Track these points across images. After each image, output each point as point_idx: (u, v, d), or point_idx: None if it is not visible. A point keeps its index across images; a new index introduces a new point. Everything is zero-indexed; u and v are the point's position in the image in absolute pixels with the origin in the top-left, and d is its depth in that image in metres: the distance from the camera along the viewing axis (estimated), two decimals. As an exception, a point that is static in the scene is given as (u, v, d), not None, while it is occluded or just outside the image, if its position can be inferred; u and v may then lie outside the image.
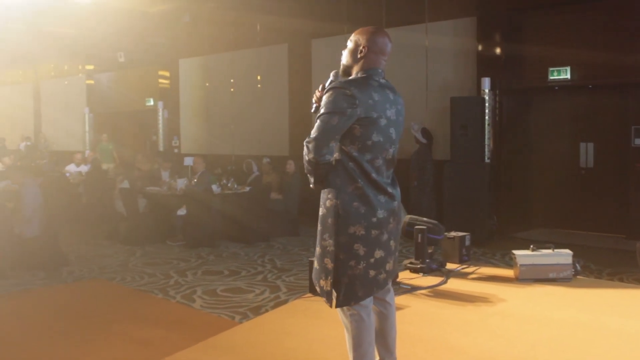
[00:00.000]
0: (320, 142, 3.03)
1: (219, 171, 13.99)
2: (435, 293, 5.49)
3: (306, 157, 3.10)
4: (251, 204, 10.00)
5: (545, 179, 10.48)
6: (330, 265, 3.15)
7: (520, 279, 6.28)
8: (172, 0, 14.16)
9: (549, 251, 6.31)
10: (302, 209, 10.48)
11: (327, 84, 3.22)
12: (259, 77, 14.11)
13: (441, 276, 5.75)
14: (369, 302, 3.25)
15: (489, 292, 5.83)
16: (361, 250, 3.13)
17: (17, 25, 15.11)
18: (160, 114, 16.22)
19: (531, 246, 6.38)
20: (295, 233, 10.36)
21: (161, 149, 16.21)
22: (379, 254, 3.17)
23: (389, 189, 3.21)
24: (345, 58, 3.32)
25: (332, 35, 12.12)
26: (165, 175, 11.27)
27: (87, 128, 18.53)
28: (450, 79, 10.76)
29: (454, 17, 10.72)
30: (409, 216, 5.69)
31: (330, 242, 3.14)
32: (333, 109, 3.05)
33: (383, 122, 3.15)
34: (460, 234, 6.67)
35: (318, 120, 3.09)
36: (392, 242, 3.24)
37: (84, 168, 13.28)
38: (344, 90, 3.07)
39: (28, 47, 17.40)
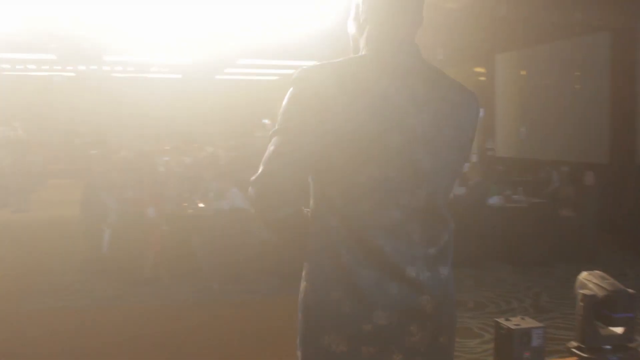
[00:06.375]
0: (269, 186, 1.63)
1: (529, 178, 12.51)
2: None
3: (252, 210, 1.78)
4: (533, 220, 8.52)
5: None
6: None
7: None
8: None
9: None
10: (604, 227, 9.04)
11: None
12: (577, 73, 12.22)
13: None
14: None
15: None
16: None
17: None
18: (475, 113, 15.16)
19: None
20: (588, 259, 8.52)
21: (475, 151, 15.16)
22: None
23: (411, 271, 1.65)
24: (350, 31, 1.89)
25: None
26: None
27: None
28: None
29: None
30: (594, 273, 3.19)
31: (298, 355, 1.76)
32: (286, 122, 1.66)
33: (395, 140, 1.64)
34: None
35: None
36: None
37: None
38: (306, 85, 1.65)
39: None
